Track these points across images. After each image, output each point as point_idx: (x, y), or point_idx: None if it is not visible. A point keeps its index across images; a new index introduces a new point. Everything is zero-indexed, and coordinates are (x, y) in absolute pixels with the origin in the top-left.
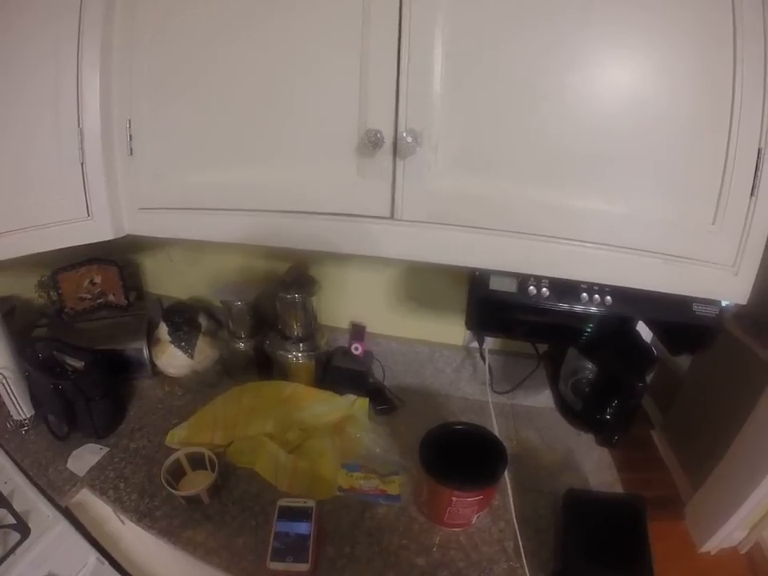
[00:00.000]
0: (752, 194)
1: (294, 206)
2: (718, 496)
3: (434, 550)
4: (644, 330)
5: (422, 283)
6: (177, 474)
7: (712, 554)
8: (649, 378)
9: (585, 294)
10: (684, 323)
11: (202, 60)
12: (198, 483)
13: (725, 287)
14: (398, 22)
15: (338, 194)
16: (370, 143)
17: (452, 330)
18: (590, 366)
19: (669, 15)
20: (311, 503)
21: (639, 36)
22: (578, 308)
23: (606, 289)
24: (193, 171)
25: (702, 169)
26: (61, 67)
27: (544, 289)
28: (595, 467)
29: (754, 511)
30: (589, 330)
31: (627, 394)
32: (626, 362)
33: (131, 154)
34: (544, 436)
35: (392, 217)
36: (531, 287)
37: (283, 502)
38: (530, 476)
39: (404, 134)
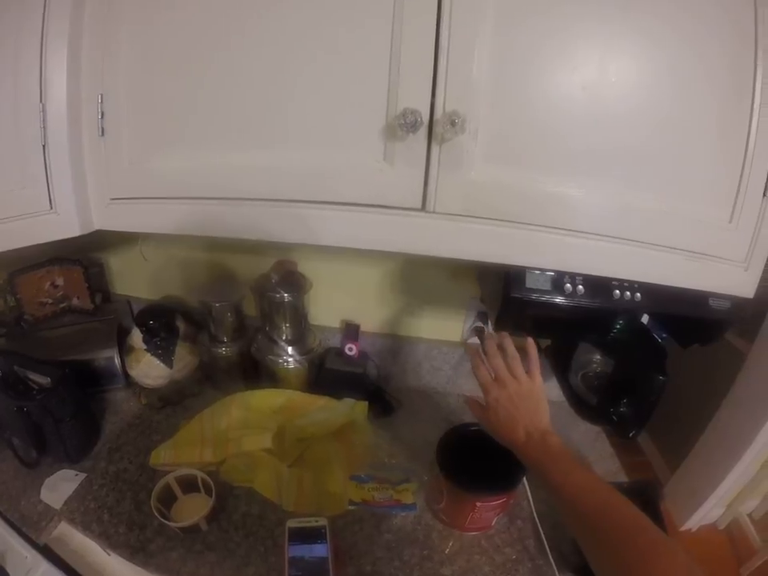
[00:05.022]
0: (764, 195)
1: (310, 195)
2: (696, 477)
3: (458, 557)
4: None
5: (418, 278)
6: (167, 500)
7: (692, 531)
8: None
9: (617, 291)
10: (701, 317)
11: (201, 27)
12: (192, 508)
13: (736, 282)
14: None
15: (361, 183)
16: (406, 125)
17: (449, 326)
18: (597, 358)
19: (696, 12)
20: (323, 521)
21: (668, 35)
22: (611, 304)
23: (635, 286)
24: (179, 154)
25: (724, 169)
26: (22, 26)
27: (579, 286)
28: (599, 457)
29: (730, 490)
30: (618, 326)
31: (648, 388)
32: (643, 357)
33: (102, 134)
34: None
35: (423, 209)
36: (567, 284)
37: (292, 522)
38: None
39: (445, 117)
